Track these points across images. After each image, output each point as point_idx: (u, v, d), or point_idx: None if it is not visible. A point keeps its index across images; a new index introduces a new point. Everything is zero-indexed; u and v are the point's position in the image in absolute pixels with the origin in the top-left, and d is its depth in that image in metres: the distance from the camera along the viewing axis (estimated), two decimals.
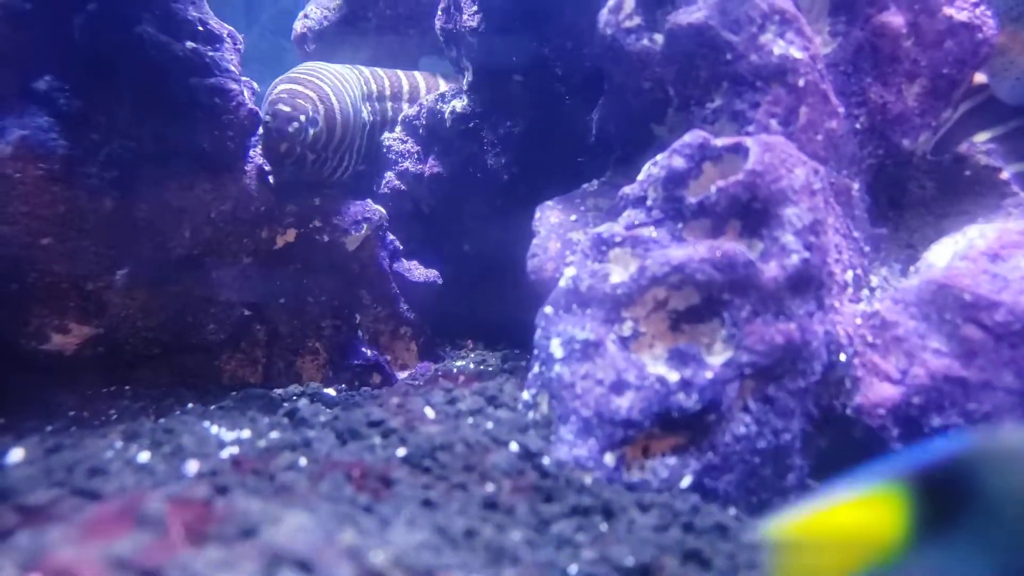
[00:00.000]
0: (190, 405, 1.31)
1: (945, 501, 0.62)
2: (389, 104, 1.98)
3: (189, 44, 1.48)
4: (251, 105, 1.54)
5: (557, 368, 0.92)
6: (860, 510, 0.62)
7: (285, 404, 1.24)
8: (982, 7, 1.15)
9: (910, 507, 0.62)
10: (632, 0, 1.12)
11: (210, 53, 1.51)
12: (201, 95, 1.48)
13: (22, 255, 1.38)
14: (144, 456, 0.82)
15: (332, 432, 0.91)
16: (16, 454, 0.81)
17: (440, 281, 1.90)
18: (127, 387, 1.47)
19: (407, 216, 1.95)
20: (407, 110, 1.93)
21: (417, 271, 1.90)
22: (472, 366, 1.83)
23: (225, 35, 1.55)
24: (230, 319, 1.62)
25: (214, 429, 0.95)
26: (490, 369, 1.53)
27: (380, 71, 1.96)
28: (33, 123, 1.37)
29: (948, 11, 1.12)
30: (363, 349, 1.76)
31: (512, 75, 1.68)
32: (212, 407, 1.28)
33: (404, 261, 1.89)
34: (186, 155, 1.49)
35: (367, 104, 1.91)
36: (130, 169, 1.45)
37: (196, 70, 1.48)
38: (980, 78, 1.22)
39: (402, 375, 1.81)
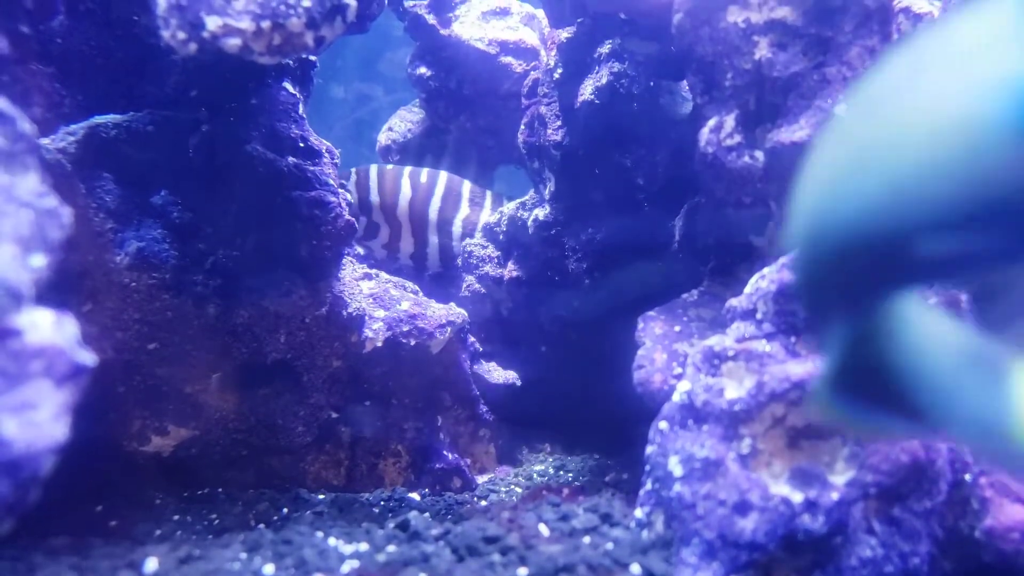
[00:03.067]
0: (285, 510, 1.31)
1: None
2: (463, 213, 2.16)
3: (291, 159, 1.57)
4: (347, 216, 1.61)
5: (677, 487, 0.91)
6: None
7: (391, 514, 1.24)
8: None
9: None
10: (732, 119, 1.16)
11: (311, 167, 1.59)
12: (302, 207, 1.55)
13: (131, 360, 1.43)
14: (269, 569, 0.83)
15: (448, 547, 0.90)
16: (151, 564, 0.82)
17: (519, 383, 1.91)
18: (219, 489, 1.49)
19: (486, 318, 1.99)
20: (488, 217, 2.00)
21: (496, 373, 1.91)
22: (552, 471, 1.81)
23: (324, 150, 1.65)
24: (317, 421, 1.65)
25: (331, 541, 0.95)
26: (584, 479, 1.51)
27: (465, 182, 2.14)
28: (148, 235, 1.45)
29: None
30: (444, 452, 1.76)
31: (594, 185, 1.73)
32: (308, 512, 1.28)
33: (483, 363, 1.91)
34: (285, 263, 1.56)
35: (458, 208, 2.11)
36: (232, 277, 1.52)
37: (298, 184, 1.56)
38: None
39: (481, 479, 1.80)
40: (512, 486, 1.69)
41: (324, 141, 1.67)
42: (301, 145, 1.60)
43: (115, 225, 1.43)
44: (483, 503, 1.50)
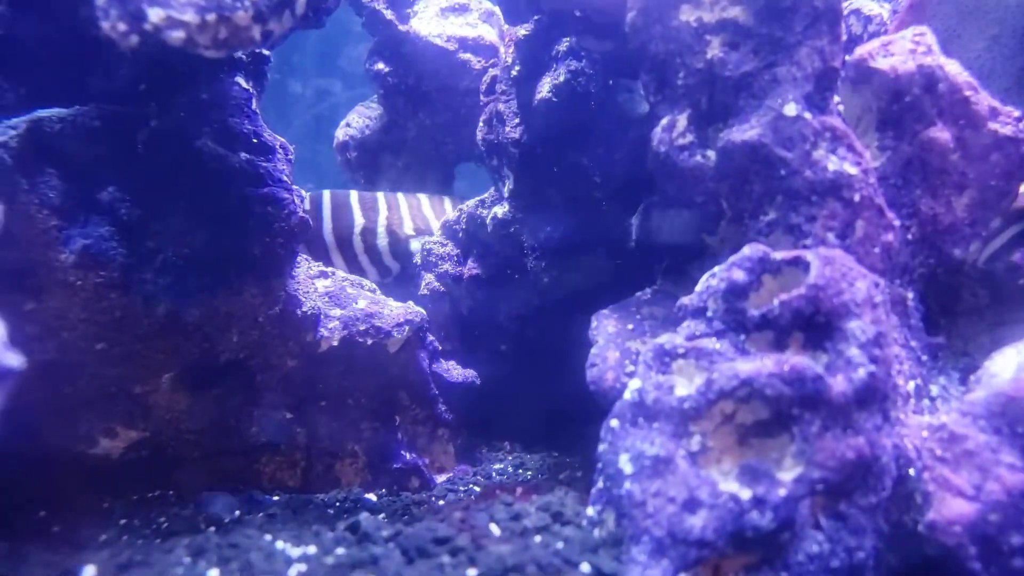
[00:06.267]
0: (237, 513, 1.29)
1: None
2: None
3: (244, 155, 1.54)
4: (301, 213, 1.58)
5: (627, 485, 0.91)
6: None
7: (346, 515, 1.22)
8: None
9: None
10: (685, 119, 1.16)
11: (264, 164, 1.56)
12: (255, 204, 1.52)
13: (77, 360, 1.39)
14: (213, 573, 0.81)
15: (398, 549, 0.89)
16: (89, 571, 0.80)
17: (478, 381, 1.90)
18: (170, 491, 1.45)
19: (445, 317, 1.97)
20: (447, 215, 1.99)
21: (455, 371, 1.90)
22: (511, 469, 1.81)
23: (277, 146, 1.62)
24: (272, 422, 1.62)
25: (279, 544, 0.94)
26: (543, 478, 1.51)
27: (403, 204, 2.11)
28: (95, 232, 1.41)
29: (993, 126, 1.16)
30: (402, 452, 1.74)
31: (552, 183, 1.72)
32: (260, 515, 1.26)
33: (443, 361, 1.89)
34: (237, 261, 1.53)
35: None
36: (183, 275, 1.48)
37: (250, 180, 1.53)
38: None
39: (440, 478, 1.79)
40: (471, 485, 1.68)
41: (278, 137, 1.64)
42: (254, 141, 1.57)
43: (60, 222, 1.39)
44: (440, 503, 1.49)
